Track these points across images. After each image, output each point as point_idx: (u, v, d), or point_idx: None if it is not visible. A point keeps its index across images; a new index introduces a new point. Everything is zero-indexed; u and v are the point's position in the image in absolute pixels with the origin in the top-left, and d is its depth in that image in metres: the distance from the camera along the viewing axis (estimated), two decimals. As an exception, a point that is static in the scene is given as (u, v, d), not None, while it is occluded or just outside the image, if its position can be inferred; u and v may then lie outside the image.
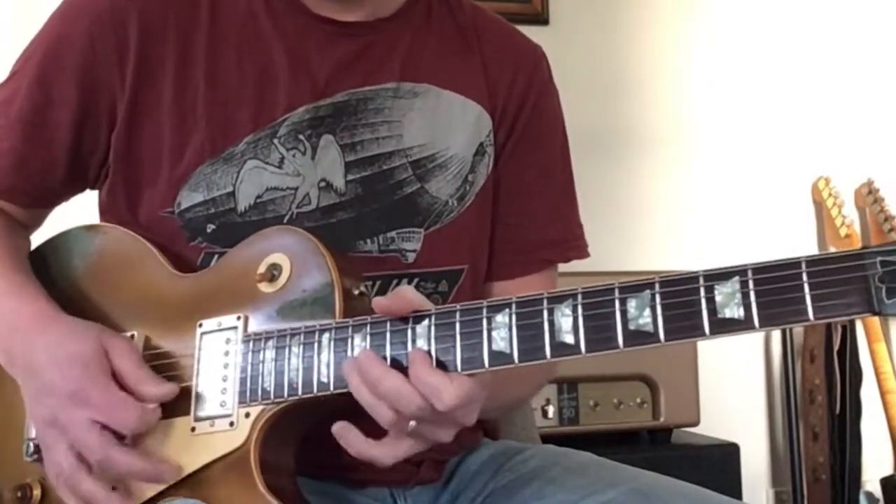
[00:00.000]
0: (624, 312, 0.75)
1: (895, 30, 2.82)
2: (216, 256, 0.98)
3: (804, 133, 2.71)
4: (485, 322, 0.79)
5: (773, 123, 2.71)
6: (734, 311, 0.71)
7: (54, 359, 0.89)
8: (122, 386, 0.88)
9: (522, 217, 1.10)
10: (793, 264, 0.70)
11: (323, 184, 1.00)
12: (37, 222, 1.10)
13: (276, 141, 0.99)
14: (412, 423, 0.79)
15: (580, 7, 2.63)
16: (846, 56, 2.76)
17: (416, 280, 1.02)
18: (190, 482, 0.88)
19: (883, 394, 2.48)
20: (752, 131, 2.69)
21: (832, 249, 2.65)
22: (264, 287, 0.90)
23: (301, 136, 0.99)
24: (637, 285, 0.75)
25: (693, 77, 2.69)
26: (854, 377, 2.50)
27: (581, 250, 1.14)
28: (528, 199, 1.10)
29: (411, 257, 1.02)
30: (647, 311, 0.74)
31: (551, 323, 0.77)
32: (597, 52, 2.63)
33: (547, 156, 1.12)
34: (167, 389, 0.89)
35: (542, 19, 2.57)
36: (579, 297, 0.76)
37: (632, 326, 0.74)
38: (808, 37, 2.75)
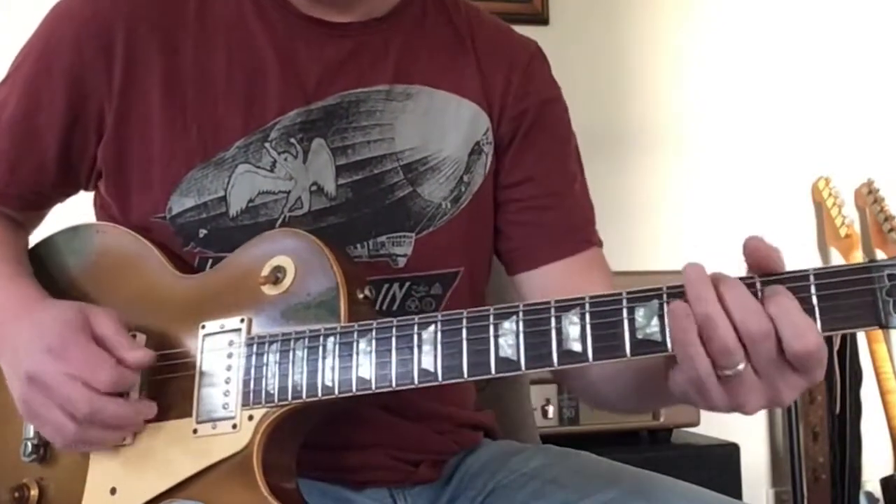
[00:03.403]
0: (632, 321, 0.74)
1: (895, 30, 2.82)
2: (210, 261, 0.97)
3: (804, 133, 2.71)
4: (492, 329, 0.79)
5: (773, 123, 2.71)
6: None
7: (37, 325, 0.90)
8: (104, 350, 0.88)
9: (550, 200, 1.07)
10: (801, 276, 0.71)
11: (314, 188, 0.99)
12: (33, 223, 1.10)
13: (267, 145, 0.98)
14: (741, 365, 0.70)
15: (580, 7, 2.63)
16: (846, 56, 2.76)
17: (407, 284, 1.01)
18: (191, 484, 0.87)
19: (883, 394, 2.48)
20: (752, 131, 2.69)
21: (832, 249, 2.66)
22: (268, 289, 0.89)
23: (293, 140, 0.99)
24: (645, 294, 0.75)
25: (693, 77, 2.69)
26: (854, 377, 2.50)
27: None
28: (552, 185, 1.08)
29: (402, 262, 1.01)
30: (655, 321, 0.74)
31: (559, 331, 0.77)
32: (597, 52, 2.63)
33: (564, 146, 1.11)
34: (140, 355, 0.88)
35: (541, 19, 2.57)
36: (587, 305, 0.76)
37: (639, 335, 0.74)
38: (808, 37, 2.75)
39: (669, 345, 0.73)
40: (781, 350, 0.70)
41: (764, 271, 0.73)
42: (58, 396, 0.86)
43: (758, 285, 0.72)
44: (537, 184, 1.07)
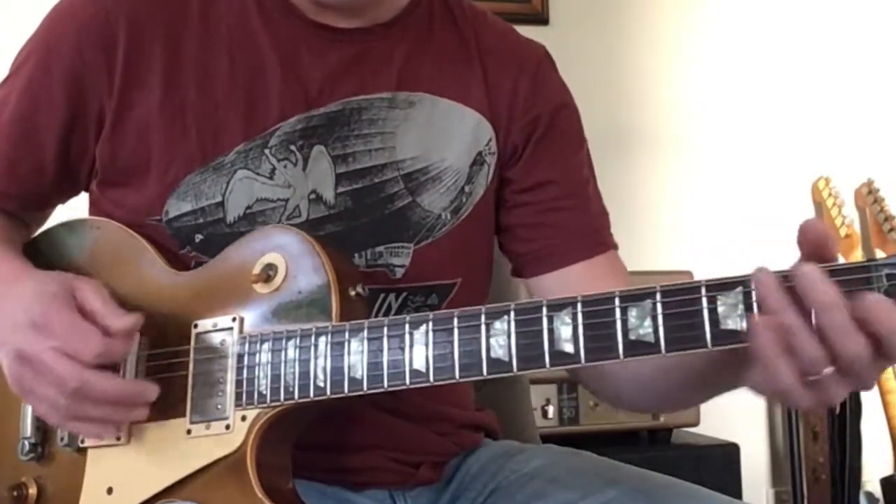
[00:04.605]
0: (624, 322, 0.74)
1: (895, 30, 2.82)
2: None
3: (804, 133, 2.71)
4: (483, 329, 0.78)
5: (773, 123, 2.70)
6: (737, 323, 0.70)
7: (21, 300, 0.88)
8: (91, 322, 0.86)
9: (569, 201, 1.06)
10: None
11: (313, 196, 0.98)
12: (36, 223, 1.09)
13: (267, 151, 0.97)
14: (827, 370, 0.68)
15: (580, 7, 2.63)
16: (846, 56, 2.76)
17: (403, 294, 1.01)
18: (186, 485, 0.87)
19: (883, 394, 2.47)
20: (752, 131, 2.69)
21: (832, 249, 2.65)
22: (260, 288, 0.89)
23: (293, 147, 0.98)
24: (638, 294, 0.74)
25: (693, 77, 2.69)
26: (854, 377, 2.50)
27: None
28: (569, 186, 1.07)
29: (399, 272, 1.00)
30: (648, 321, 0.73)
31: (550, 331, 0.76)
32: (597, 52, 2.63)
33: (578, 149, 1.10)
34: (130, 320, 0.87)
35: (541, 19, 2.56)
36: (579, 305, 0.76)
37: (632, 336, 0.73)
38: (808, 37, 2.75)
39: (663, 346, 0.72)
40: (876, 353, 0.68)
41: (818, 257, 0.70)
42: (46, 371, 0.84)
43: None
44: (554, 186, 1.06)
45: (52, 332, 0.85)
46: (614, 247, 1.08)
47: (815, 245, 0.70)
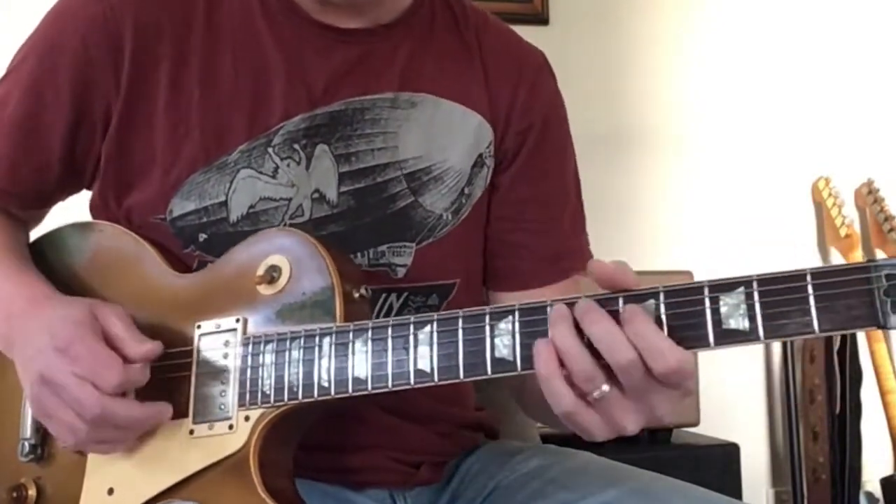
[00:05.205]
0: None
1: (895, 30, 2.82)
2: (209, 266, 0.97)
3: (804, 133, 2.71)
4: (488, 329, 0.78)
5: (773, 123, 2.71)
6: (739, 323, 0.71)
7: (47, 324, 0.89)
8: (112, 348, 0.87)
9: (545, 224, 1.08)
10: (798, 276, 0.70)
11: (316, 195, 0.99)
12: (35, 219, 1.10)
13: (270, 150, 0.98)
14: (604, 387, 0.73)
15: (580, 7, 2.63)
16: (846, 56, 2.76)
17: (405, 294, 1.01)
18: (188, 485, 0.87)
19: (883, 394, 2.48)
20: (752, 131, 2.69)
21: (832, 249, 2.65)
22: (263, 289, 0.89)
23: (296, 146, 0.98)
24: (640, 294, 0.74)
25: (693, 77, 2.69)
26: (854, 377, 2.50)
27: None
28: (548, 208, 1.08)
29: (401, 272, 1.01)
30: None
31: None
32: (596, 52, 2.63)
33: (564, 166, 1.11)
34: (148, 347, 0.87)
35: (541, 19, 2.57)
36: None
37: None
38: (808, 37, 2.75)
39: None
40: (647, 370, 0.72)
41: (619, 288, 0.75)
42: (68, 397, 0.85)
43: (620, 302, 0.74)
44: (535, 207, 1.07)
45: (75, 358, 0.85)
46: (582, 268, 1.08)
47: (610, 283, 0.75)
